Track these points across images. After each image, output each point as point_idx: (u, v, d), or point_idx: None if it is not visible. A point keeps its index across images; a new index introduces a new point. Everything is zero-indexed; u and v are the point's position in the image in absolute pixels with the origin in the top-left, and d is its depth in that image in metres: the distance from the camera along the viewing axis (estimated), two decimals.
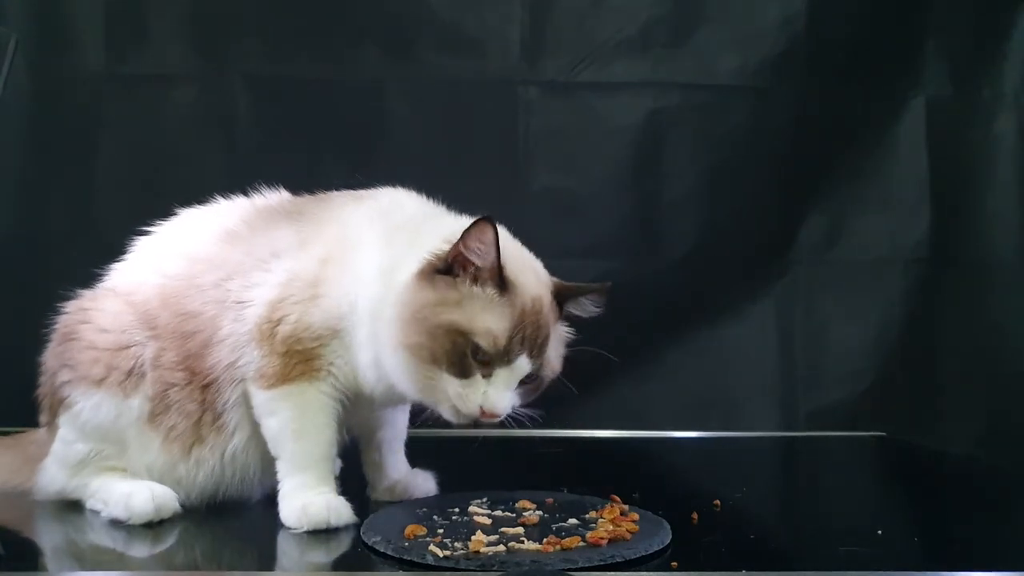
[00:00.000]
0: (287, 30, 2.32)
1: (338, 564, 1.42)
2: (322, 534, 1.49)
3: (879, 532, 1.56)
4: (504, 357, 1.45)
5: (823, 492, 1.93)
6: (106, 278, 1.70)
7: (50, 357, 1.68)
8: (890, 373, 2.38)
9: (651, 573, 1.37)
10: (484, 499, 1.61)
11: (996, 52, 2.34)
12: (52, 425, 1.66)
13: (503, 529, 1.47)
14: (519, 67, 2.34)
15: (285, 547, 1.48)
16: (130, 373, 1.57)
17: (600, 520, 1.51)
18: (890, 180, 2.37)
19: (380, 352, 1.49)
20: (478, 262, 1.45)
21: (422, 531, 1.45)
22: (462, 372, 1.44)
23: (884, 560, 1.47)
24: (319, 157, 2.32)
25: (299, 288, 1.53)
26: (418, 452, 1.73)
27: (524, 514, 1.55)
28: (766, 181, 2.36)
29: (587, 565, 1.35)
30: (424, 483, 1.69)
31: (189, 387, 1.56)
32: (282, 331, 1.52)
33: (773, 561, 1.48)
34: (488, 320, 1.44)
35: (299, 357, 1.52)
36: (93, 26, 2.29)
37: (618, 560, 1.37)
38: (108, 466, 1.60)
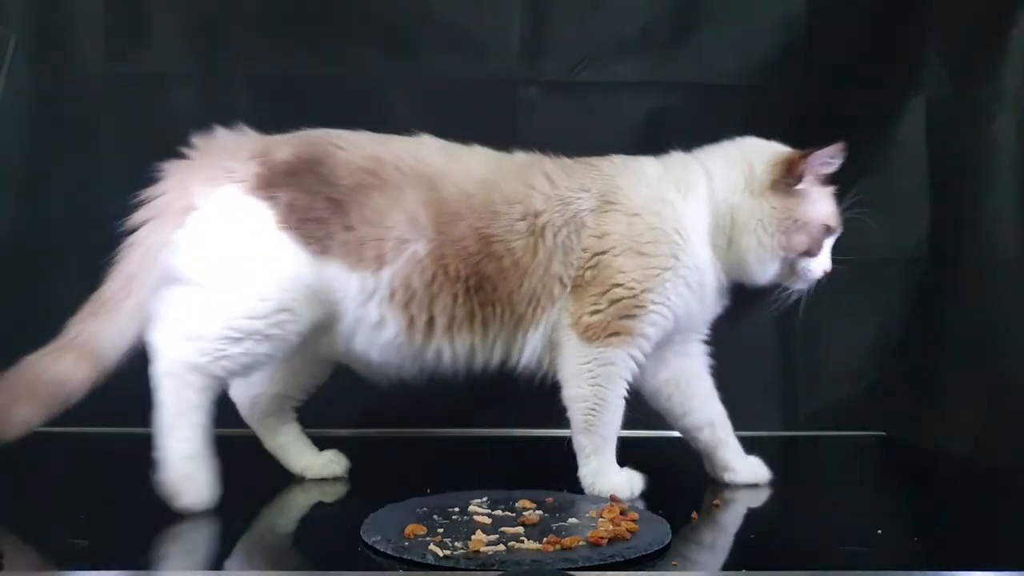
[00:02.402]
0: (287, 30, 2.32)
1: (338, 564, 1.42)
2: (322, 534, 1.49)
3: (879, 532, 1.56)
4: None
5: (823, 492, 1.93)
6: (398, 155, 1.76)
7: (312, 182, 1.70)
8: (890, 373, 2.38)
9: (651, 573, 1.37)
10: (484, 498, 1.62)
11: (996, 52, 2.34)
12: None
13: (503, 529, 1.47)
14: (519, 67, 2.34)
15: (285, 547, 1.48)
16: (376, 256, 1.69)
17: (600, 520, 1.52)
18: (890, 180, 2.37)
19: (743, 261, 1.77)
20: (824, 170, 1.77)
21: (422, 531, 1.45)
22: (819, 251, 1.77)
23: (884, 560, 1.48)
24: None
25: (619, 240, 1.72)
26: (420, 452, 1.74)
27: (524, 513, 1.55)
28: None
29: (587, 565, 1.35)
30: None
31: (463, 295, 1.71)
32: (609, 281, 1.71)
33: (773, 561, 1.48)
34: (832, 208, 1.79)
35: (622, 311, 1.70)
36: (93, 26, 2.28)
37: (618, 560, 1.38)
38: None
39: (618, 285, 1.71)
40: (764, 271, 1.78)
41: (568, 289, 1.73)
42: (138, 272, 1.70)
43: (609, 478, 1.73)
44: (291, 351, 1.71)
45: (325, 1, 2.32)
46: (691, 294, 1.75)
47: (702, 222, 1.77)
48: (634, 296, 1.71)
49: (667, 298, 1.73)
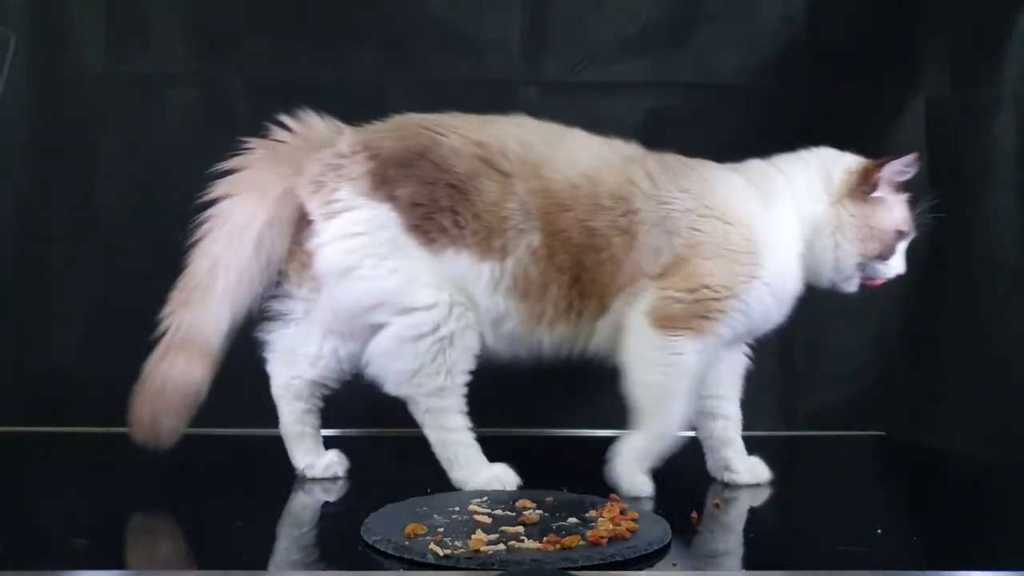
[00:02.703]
0: (287, 30, 2.32)
1: (338, 563, 1.42)
2: (322, 534, 1.49)
3: (879, 532, 1.56)
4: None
5: (823, 492, 1.93)
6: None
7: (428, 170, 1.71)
8: (890, 373, 2.38)
9: (651, 572, 1.37)
10: (484, 498, 1.62)
11: (996, 52, 2.34)
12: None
13: (503, 528, 1.47)
14: (519, 67, 2.34)
15: (285, 546, 1.48)
16: (501, 246, 1.70)
17: (600, 519, 1.51)
18: None
19: (820, 266, 1.79)
20: (899, 178, 1.80)
21: (422, 530, 1.45)
22: (892, 255, 1.80)
23: (884, 560, 1.48)
24: None
25: (712, 246, 1.73)
26: (420, 452, 1.74)
27: (524, 513, 1.55)
28: None
29: (587, 564, 1.35)
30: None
31: (566, 286, 1.72)
32: (698, 281, 1.71)
33: (773, 561, 1.48)
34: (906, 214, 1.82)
35: (703, 310, 1.71)
36: (93, 26, 2.28)
37: (618, 559, 1.38)
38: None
39: (706, 287, 1.72)
40: (840, 276, 1.81)
41: (651, 283, 1.74)
42: (223, 253, 1.72)
43: (637, 474, 1.73)
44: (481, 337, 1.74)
45: (325, 1, 2.32)
46: (772, 301, 1.77)
47: (788, 232, 1.79)
48: (719, 300, 1.73)
49: (748, 305, 1.75)
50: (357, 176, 1.70)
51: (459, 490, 1.70)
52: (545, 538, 1.42)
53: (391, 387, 1.73)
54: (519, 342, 1.77)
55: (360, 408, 2.22)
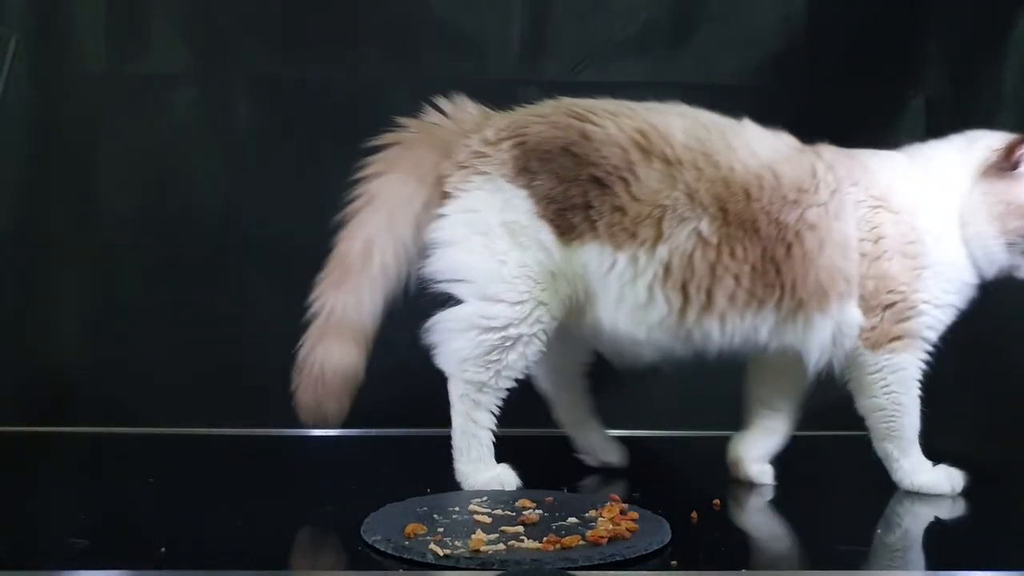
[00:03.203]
0: (287, 30, 2.32)
1: (338, 563, 1.42)
2: (321, 533, 1.49)
3: (879, 532, 1.56)
4: None
5: (823, 492, 1.92)
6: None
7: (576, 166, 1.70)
8: None
9: (651, 572, 1.37)
10: (484, 498, 1.62)
11: (996, 52, 2.34)
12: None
13: (503, 528, 1.47)
14: (519, 67, 2.34)
15: (285, 546, 1.48)
16: (652, 234, 1.68)
17: (600, 519, 1.52)
18: None
19: (971, 253, 1.76)
20: None
21: (422, 530, 1.45)
22: None
23: (884, 560, 1.48)
24: (319, 157, 2.32)
25: (890, 243, 1.74)
26: (420, 452, 1.74)
27: (524, 513, 1.55)
28: None
29: (587, 564, 1.35)
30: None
31: (748, 277, 1.69)
32: (883, 288, 1.73)
33: (773, 561, 1.48)
34: None
35: (897, 316, 1.73)
36: (93, 26, 2.28)
37: (618, 559, 1.38)
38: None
39: (890, 291, 1.73)
40: (990, 261, 1.78)
41: (852, 291, 1.73)
42: (379, 233, 1.73)
43: (923, 476, 1.78)
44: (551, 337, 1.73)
45: (325, 1, 2.32)
46: (952, 288, 1.77)
47: (948, 217, 1.77)
48: (904, 299, 1.74)
49: (933, 295, 1.75)
50: (500, 163, 1.70)
51: (459, 487, 1.70)
52: (545, 538, 1.42)
53: (440, 359, 1.72)
54: (675, 332, 1.72)
55: (361, 408, 2.23)
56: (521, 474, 1.74)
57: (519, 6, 2.33)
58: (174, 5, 2.30)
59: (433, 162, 1.74)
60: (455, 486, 1.70)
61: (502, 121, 1.75)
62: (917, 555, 1.55)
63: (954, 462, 1.82)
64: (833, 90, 2.34)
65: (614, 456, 1.92)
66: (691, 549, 1.45)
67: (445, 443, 1.79)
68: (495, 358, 1.69)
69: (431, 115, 1.80)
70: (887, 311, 1.74)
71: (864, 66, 2.35)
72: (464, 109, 1.79)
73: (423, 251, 1.74)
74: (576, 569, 1.33)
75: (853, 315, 1.74)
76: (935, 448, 1.84)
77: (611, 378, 2.17)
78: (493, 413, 1.73)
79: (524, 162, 1.69)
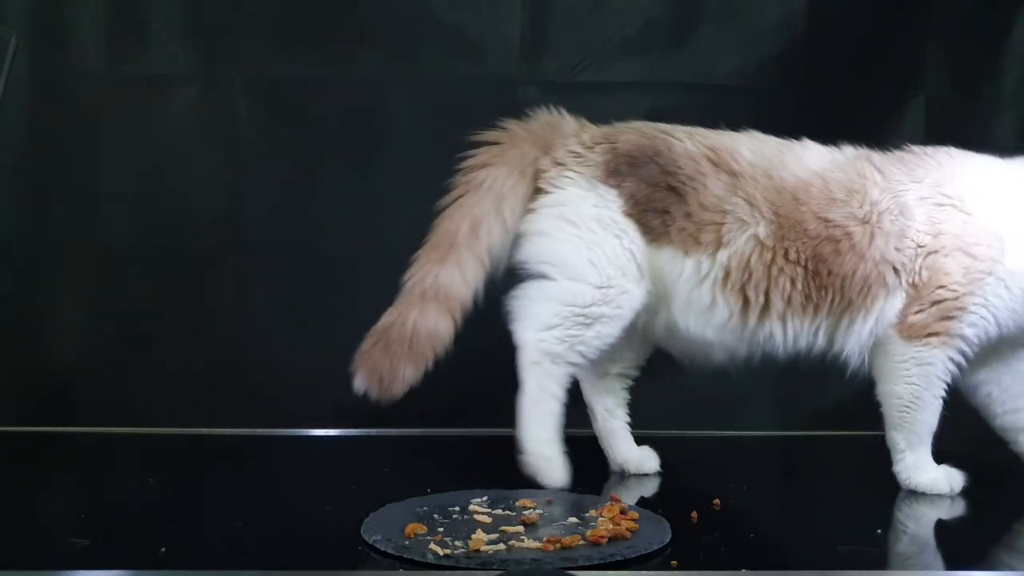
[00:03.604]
0: (287, 30, 2.32)
1: (338, 563, 1.42)
2: (321, 533, 1.49)
3: (879, 532, 1.56)
4: None
5: (823, 492, 1.93)
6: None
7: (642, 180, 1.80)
8: None
9: (651, 572, 1.37)
10: (484, 498, 1.62)
11: (996, 52, 2.34)
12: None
13: (503, 528, 1.47)
14: (519, 67, 2.33)
15: (285, 546, 1.48)
16: (713, 240, 1.77)
17: (600, 519, 1.52)
18: None
19: None
20: None
21: (422, 530, 1.45)
22: None
23: (884, 560, 1.48)
24: (319, 157, 2.32)
25: (951, 240, 1.76)
26: (420, 452, 1.74)
27: (524, 512, 1.55)
28: None
29: (587, 564, 1.35)
30: None
31: (802, 278, 1.76)
32: (935, 282, 1.75)
33: (773, 561, 1.48)
34: None
35: (943, 312, 1.74)
36: (93, 26, 2.28)
37: (618, 559, 1.38)
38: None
39: (942, 287, 1.75)
40: None
41: (902, 282, 1.77)
42: (484, 217, 1.80)
43: (925, 474, 1.79)
44: (628, 329, 1.80)
45: (325, 1, 2.32)
46: (1011, 297, 1.77)
47: None
48: (956, 298, 1.75)
49: (986, 300, 1.76)
50: (593, 164, 1.81)
51: (459, 488, 1.70)
52: (545, 538, 1.42)
53: (518, 327, 1.78)
54: (740, 334, 1.80)
55: (361, 408, 2.23)
56: (521, 474, 1.74)
57: (519, 6, 2.32)
58: (174, 5, 2.30)
59: (533, 159, 1.84)
60: (455, 486, 1.70)
61: (597, 129, 1.87)
62: (917, 555, 1.55)
63: (954, 462, 1.82)
64: (833, 90, 2.34)
65: (649, 465, 1.93)
66: (691, 549, 1.45)
67: (445, 443, 1.80)
68: (574, 333, 1.76)
69: (533, 118, 1.89)
70: (934, 306, 1.76)
71: (864, 66, 2.35)
72: (562, 117, 1.89)
73: (517, 240, 1.82)
74: (576, 569, 1.33)
75: (895, 307, 1.77)
76: (935, 448, 1.84)
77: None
78: (563, 385, 1.78)
79: (615, 165, 1.80)
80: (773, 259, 1.77)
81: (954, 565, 1.44)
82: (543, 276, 1.79)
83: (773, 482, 1.84)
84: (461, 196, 1.83)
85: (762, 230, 1.77)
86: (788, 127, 2.16)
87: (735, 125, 2.32)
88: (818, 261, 1.77)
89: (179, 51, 2.30)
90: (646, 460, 1.91)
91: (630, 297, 1.77)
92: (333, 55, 2.31)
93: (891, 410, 1.80)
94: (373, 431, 2.19)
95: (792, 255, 1.77)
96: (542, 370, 1.76)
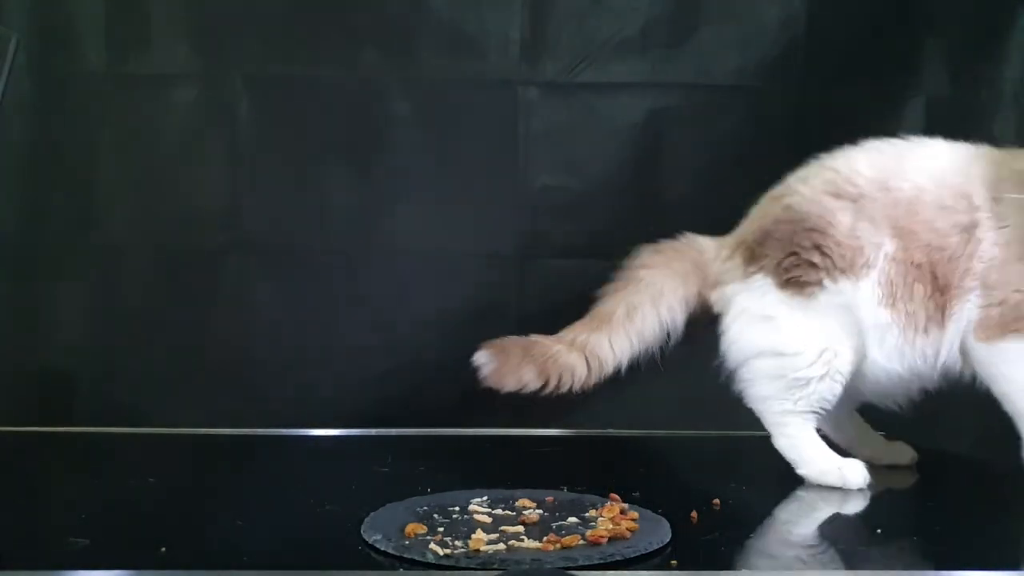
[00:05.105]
0: (287, 30, 2.32)
1: (338, 563, 1.42)
2: (321, 533, 1.49)
3: (879, 532, 1.56)
4: None
5: (823, 492, 1.92)
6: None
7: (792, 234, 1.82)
8: None
9: (651, 572, 1.37)
10: (484, 497, 1.62)
11: (996, 52, 2.34)
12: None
13: (503, 527, 1.47)
14: (519, 67, 2.34)
15: (285, 546, 1.48)
16: (864, 263, 1.77)
17: (600, 518, 1.52)
18: None
19: None
20: None
21: (422, 529, 1.45)
22: None
23: (884, 560, 1.48)
24: (319, 157, 2.32)
25: None
26: (420, 452, 1.74)
27: (524, 512, 1.55)
28: (766, 181, 2.35)
29: (587, 563, 1.35)
30: None
31: (930, 285, 1.75)
32: (1010, 286, 1.71)
33: (773, 561, 1.48)
34: None
35: (1015, 313, 1.71)
36: (93, 26, 2.28)
37: (618, 558, 1.37)
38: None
39: (1018, 291, 1.72)
40: None
41: (978, 285, 1.74)
42: (640, 306, 1.87)
43: None
44: (849, 376, 1.81)
45: (325, 1, 2.32)
46: None
47: None
48: None
49: None
50: (734, 268, 1.86)
51: (458, 490, 1.70)
52: (545, 537, 1.42)
53: (747, 399, 1.86)
54: (907, 356, 1.79)
55: (361, 408, 2.23)
56: (521, 474, 1.74)
57: (519, 6, 2.32)
58: (174, 5, 2.30)
59: (686, 271, 1.89)
60: (455, 486, 1.70)
61: (728, 239, 1.90)
62: (918, 555, 1.55)
63: (955, 461, 1.82)
64: (833, 90, 2.34)
65: (905, 456, 1.97)
66: (691, 549, 1.44)
67: (445, 443, 1.80)
68: (790, 395, 1.81)
69: (675, 244, 1.93)
70: (1009, 308, 1.72)
71: (864, 66, 2.35)
72: (696, 240, 1.94)
73: (662, 332, 1.88)
74: (576, 569, 1.33)
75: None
76: (935, 448, 1.84)
77: (612, 378, 2.17)
78: (808, 420, 1.82)
79: (750, 255, 1.84)
80: (903, 269, 1.76)
81: (954, 565, 1.43)
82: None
83: (773, 482, 1.84)
84: (619, 289, 1.89)
85: (888, 244, 1.76)
86: (788, 127, 2.17)
87: (735, 125, 2.33)
88: (934, 266, 1.75)
89: (179, 51, 2.30)
90: (903, 452, 1.96)
91: (838, 353, 1.78)
92: (333, 55, 2.32)
93: (1009, 406, 1.79)
94: (373, 431, 2.19)
95: (915, 259, 1.75)
96: (780, 421, 1.83)
